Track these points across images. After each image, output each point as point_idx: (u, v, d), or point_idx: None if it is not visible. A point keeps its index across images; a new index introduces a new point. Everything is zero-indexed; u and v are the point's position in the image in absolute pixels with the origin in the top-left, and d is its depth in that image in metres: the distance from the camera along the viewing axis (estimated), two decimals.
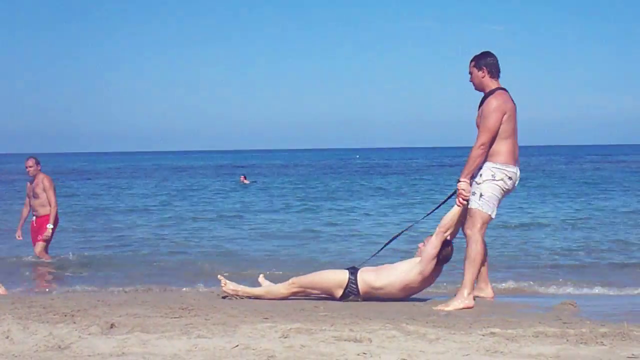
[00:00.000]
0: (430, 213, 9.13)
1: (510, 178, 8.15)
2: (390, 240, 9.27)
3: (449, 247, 8.34)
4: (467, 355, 5.54)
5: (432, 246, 8.24)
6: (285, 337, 6.02)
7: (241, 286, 8.68)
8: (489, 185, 8.07)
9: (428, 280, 8.40)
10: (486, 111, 8.12)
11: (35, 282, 12.21)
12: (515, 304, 8.53)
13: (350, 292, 8.35)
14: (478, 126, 8.26)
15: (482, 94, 8.41)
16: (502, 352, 5.63)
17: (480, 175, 8.11)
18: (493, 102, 8.13)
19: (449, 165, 74.45)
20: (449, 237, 8.34)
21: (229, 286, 8.60)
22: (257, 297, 8.52)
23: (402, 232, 9.40)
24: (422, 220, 9.36)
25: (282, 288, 8.56)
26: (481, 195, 8.07)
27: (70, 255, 14.49)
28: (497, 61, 8.38)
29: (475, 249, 8.08)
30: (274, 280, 9.16)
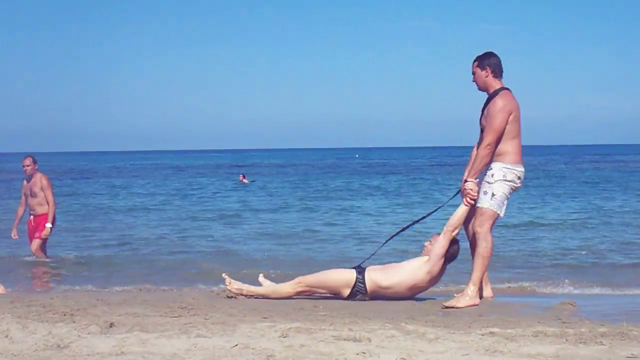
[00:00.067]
0: (433, 212, 9.14)
1: (519, 178, 8.24)
2: (390, 238, 9.26)
3: (456, 246, 8.39)
4: (466, 354, 5.54)
5: (440, 245, 8.28)
6: (285, 337, 6.02)
7: (246, 285, 8.66)
8: (500, 185, 8.14)
9: (435, 279, 8.43)
10: (492, 111, 8.16)
11: (35, 281, 12.22)
12: (515, 303, 8.53)
13: (358, 292, 8.36)
14: (483, 126, 8.30)
15: (484, 94, 8.45)
16: (501, 351, 5.63)
17: (492, 175, 8.16)
18: (499, 102, 8.17)
19: (448, 164, 74.48)
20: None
21: (234, 285, 8.57)
22: (262, 297, 8.50)
23: (403, 229, 9.37)
24: (422, 220, 9.34)
25: (288, 287, 8.54)
26: (493, 194, 8.13)
27: (70, 254, 14.51)
28: (500, 61, 8.41)
29: (486, 247, 8.15)
30: (274, 279, 9.15)
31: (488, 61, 8.37)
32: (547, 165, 58.62)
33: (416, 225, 9.38)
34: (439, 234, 8.44)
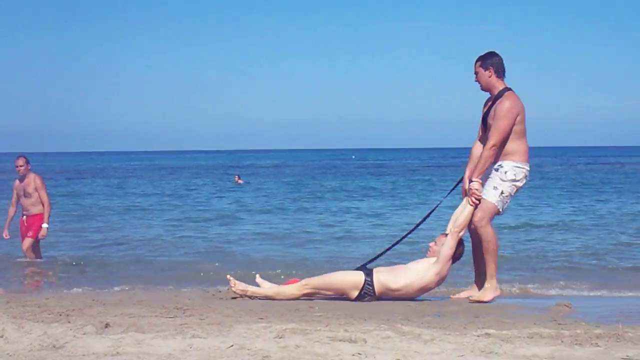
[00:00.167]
0: (432, 212, 9.20)
1: (526, 176, 8.39)
2: (396, 243, 9.32)
3: (462, 247, 8.48)
4: (461, 356, 5.54)
5: (448, 247, 8.34)
6: (280, 337, 6.01)
7: (250, 286, 8.65)
8: (509, 185, 8.31)
9: (443, 279, 8.51)
10: (499, 113, 8.24)
11: (30, 281, 12.20)
12: (510, 305, 8.53)
13: (366, 294, 8.38)
14: (485, 124, 8.40)
15: (482, 94, 8.56)
16: (496, 353, 5.63)
17: (506, 173, 8.29)
18: (506, 104, 8.27)
19: (445, 165, 74.57)
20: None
21: (238, 287, 8.55)
22: (266, 298, 8.50)
23: (409, 232, 9.38)
24: (424, 221, 9.39)
25: (294, 289, 8.52)
26: (502, 192, 8.30)
27: (65, 255, 14.50)
28: (502, 60, 8.49)
29: (489, 239, 8.30)
30: (270, 280, 9.15)
31: (491, 61, 8.45)
32: (543, 167, 58.69)
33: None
34: (444, 234, 8.50)
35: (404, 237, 9.33)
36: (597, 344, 5.93)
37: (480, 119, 8.65)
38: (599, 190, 33.85)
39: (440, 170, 62.39)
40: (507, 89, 8.41)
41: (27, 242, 13.59)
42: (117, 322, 6.60)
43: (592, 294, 10.22)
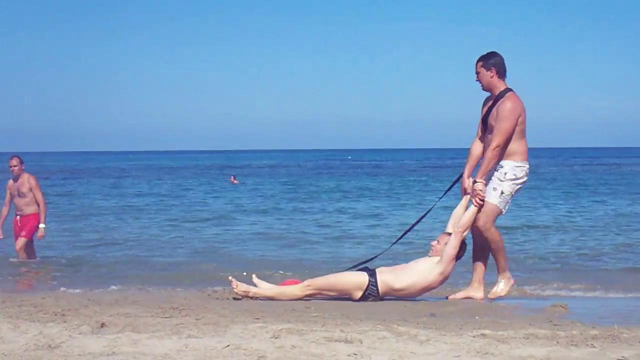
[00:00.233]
0: (429, 211, 9.28)
1: (526, 174, 8.50)
2: (395, 242, 9.43)
3: (464, 246, 8.57)
4: (457, 356, 5.54)
5: (452, 246, 8.41)
6: (276, 338, 6.01)
7: (252, 287, 8.65)
8: (509, 185, 8.40)
9: (446, 279, 8.58)
10: (502, 114, 8.31)
11: (25, 281, 12.18)
12: (506, 305, 8.53)
13: (371, 294, 8.42)
14: (491, 125, 8.43)
15: (479, 94, 8.69)
16: (492, 353, 5.63)
17: (505, 173, 8.38)
18: (509, 105, 8.34)
19: (441, 166, 74.61)
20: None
21: (240, 288, 8.56)
22: (268, 299, 8.50)
23: (405, 232, 9.50)
24: (422, 219, 9.45)
25: (297, 290, 8.54)
26: (502, 192, 8.39)
27: (60, 254, 14.48)
28: (504, 61, 8.54)
29: (495, 240, 8.48)
30: (267, 280, 9.15)
31: (493, 61, 8.52)
32: (539, 168, 58.75)
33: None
34: (446, 233, 8.58)
35: (400, 238, 9.40)
36: (592, 344, 5.93)
37: (480, 118, 8.69)
38: (595, 191, 33.90)
39: (436, 171, 62.41)
40: (509, 90, 8.48)
41: (21, 241, 13.55)
42: (113, 322, 6.60)
43: (588, 295, 10.23)
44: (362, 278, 8.43)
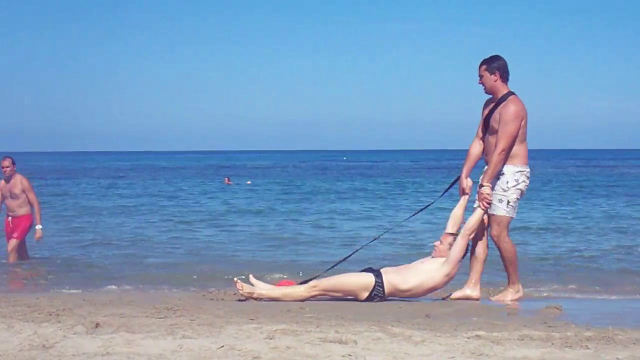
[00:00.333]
0: (422, 210, 9.39)
1: (527, 177, 8.60)
2: (376, 238, 9.55)
3: (467, 248, 8.68)
4: (452, 357, 5.55)
5: (458, 249, 8.53)
6: (271, 338, 6.01)
7: (257, 288, 8.65)
8: (513, 192, 8.52)
9: (451, 280, 8.68)
10: (506, 117, 8.38)
11: (20, 281, 12.16)
12: (501, 307, 8.55)
13: (377, 295, 8.49)
14: (493, 128, 8.50)
15: (483, 95, 8.68)
16: (487, 354, 5.64)
17: (507, 182, 8.49)
18: (512, 108, 8.42)
19: (435, 168, 74.65)
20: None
21: (246, 289, 8.56)
22: (274, 300, 8.50)
23: (399, 224, 9.65)
24: (414, 215, 9.53)
25: (302, 291, 8.57)
26: (508, 202, 8.52)
27: (54, 255, 14.46)
28: (507, 64, 8.61)
29: (509, 250, 8.64)
30: (262, 280, 9.15)
31: (497, 65, 8.62)
32: (534, 169, 58.41)
33: (401, 228, 9.54)
34: (449, 234, 8.69)
35: (384, 233, 9.58)
36: (587, 346, 5.94)
37: (481, 119, 8.75)
38: (590, 193, 33.94)
39: (430, 172, 62.45)
40: (511, 93, 8.57)
41: (13, 243, 13.49)
42: (108, 322, 6.59)
43: (582, 296, 10.23)
44: (369, 279, 8.50)
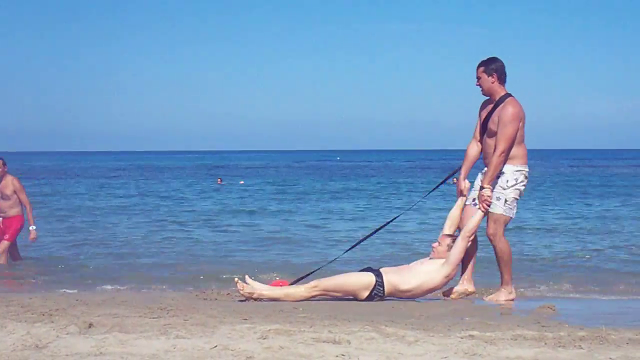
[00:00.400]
0: (409, 209, 9.45)
1: (526, 177, 8.67)
2: (371, 234, 9.59)
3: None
4: (445, 357, 5.55)
5: (459, 251, 8.60)
6: (264, 338, 6.01)
7: (257, 289, 8.65)
8: (512, 191, 8.57)
9: (450, 280, 8.76)
10: (505, 119, 8.44)
11: (12, 281, 12.13)
12: (495, 306, 8.56)
13: (377, 294, 8.54)
14: (491, 129, 8.55)
15: (480, 96, 8.72)
16: (480, 354, 5.64)
17: (507, 181, 8.54)
18: (511, 110, 8.48)
19: (428, 167, 74.73)
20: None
21: (246, 289, 8.56)
22: (274, 300, 8.50)
23: (387, 223, 9.73)
24: (399, 215, 9.58)
25: (303, 291, 8.58)
26: (506, 201, 8.56)
27: (49, 254, 14.43)
28: (504, 66, 8.66)
29: (504, 250, 8.69)
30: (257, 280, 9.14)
31: (494, 66, 8.70)
32: (531, 168, 58.36)
33: (391, 226, 9.59)
34: (448, 235, 8.78)
35: (379, 229, 9.66)
36: (580, 346, 5.94)
37: (478, 121, 8.80)
38: (584, 192, 33.99)
39: (423, 172, 62.53)
40: (509, 95, 8.62)
41: (4, 245, 13.35)
42: (101, 322, 6.58)
43: (575, 296, 10.25)
44: (370, 278, 8.54)
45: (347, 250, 9.89)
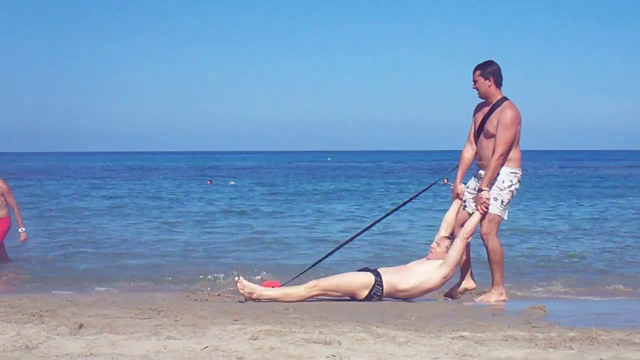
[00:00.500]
0: (399, 208, 9.56)
1: (519, 180, 8.75)
2: (358, 234, 9.64)
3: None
4: (436, 358, 5.55)
5: (457, 251, 8.67)
6: (255, 339, 6.00)
7: (257, 288, 8.65)
8: (507, 192, 8.66)
9: (447, 280, 8.83)
10: (504, 123, 8.51)
11: (2, 282, 12.10)
12: (485, 307, 8.59)
13: (375, 294, 8.59)
14: (489, 131, 8.60)
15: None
16: (471, 355, 5.64)
17: (503, 181, 8.62)
18: (510, 114, 8.56)
19: (419, 168, 74.80)
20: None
21: (246, 289, 8.56)
22: (273, 300, 8.50)
23: (371, 225, 9.79)
24: (389, 213, 9.62)
25: (303, 291, 8.60)
26: (502, 202, 8.65)
27: (38, 255, 14.38)
28: (501, 69, 8.73)
29: (496, 250, 8.76)
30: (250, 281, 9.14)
31: (491, 70, 8.78)
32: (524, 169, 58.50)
33: (380, 226, 9.62)
34: (446, 237, 8.86)
35: (368, 228, 9.87)
36: (571, 347, 5.95)
37: (472, 124, 8.84)
38: (574, 193, 34.05)
39: (415, 173, 62.59)
40: (505, 99, 8.69)
41: None
42: (91, 323, 6.56)
43: (566, 297, 10.29)
44: (369, 278, 8.59)
45: (333, 251, 9.81)
